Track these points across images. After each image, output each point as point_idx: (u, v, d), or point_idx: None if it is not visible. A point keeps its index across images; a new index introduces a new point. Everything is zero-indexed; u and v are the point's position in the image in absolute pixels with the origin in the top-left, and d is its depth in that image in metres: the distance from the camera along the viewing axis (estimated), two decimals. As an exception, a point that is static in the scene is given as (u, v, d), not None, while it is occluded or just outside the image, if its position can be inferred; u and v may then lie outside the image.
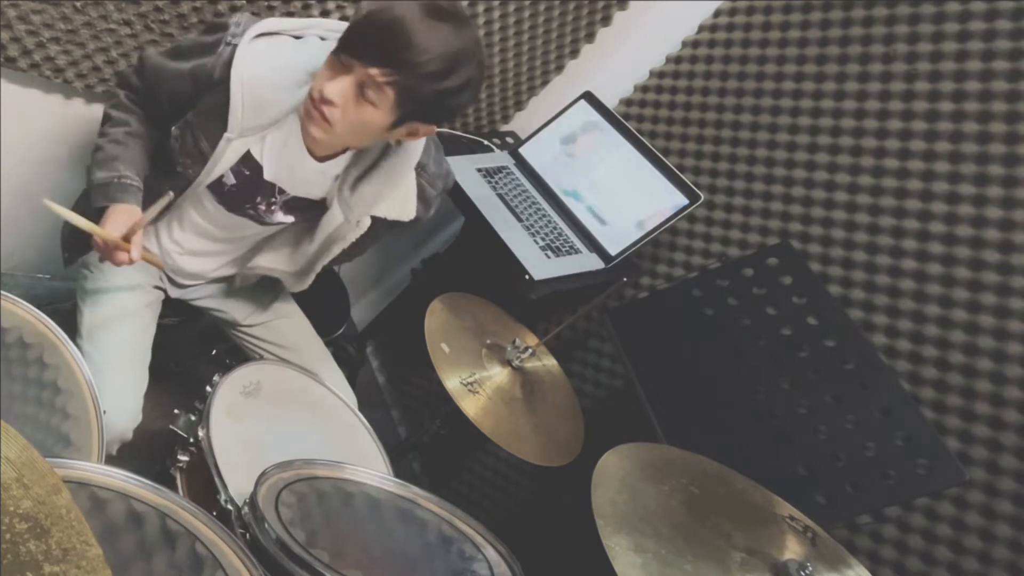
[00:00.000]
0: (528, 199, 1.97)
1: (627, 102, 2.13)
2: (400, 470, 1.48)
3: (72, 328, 1.26)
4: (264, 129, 1.24)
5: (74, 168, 1.76)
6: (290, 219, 1.40)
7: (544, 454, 1.55)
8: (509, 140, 2.19)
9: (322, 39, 1.21)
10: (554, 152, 2.04)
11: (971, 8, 1.49)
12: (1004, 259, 1.42)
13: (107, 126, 1.29)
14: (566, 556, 1.84)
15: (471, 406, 1.49)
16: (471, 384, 1.54)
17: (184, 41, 1.28)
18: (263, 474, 1.13)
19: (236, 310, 1.62)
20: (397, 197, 1.35)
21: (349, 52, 1.10)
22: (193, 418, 1.33)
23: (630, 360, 1.66)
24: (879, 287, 1.59)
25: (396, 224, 1.40)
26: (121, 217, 1.22)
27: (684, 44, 2.01)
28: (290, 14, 1.58)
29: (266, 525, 1.02)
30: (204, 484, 1.21)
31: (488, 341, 1.69)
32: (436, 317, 1.61)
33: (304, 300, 1.73)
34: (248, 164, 1.28)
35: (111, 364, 1.38)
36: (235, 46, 1.17)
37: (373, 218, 1.36)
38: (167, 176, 1.31)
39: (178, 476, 1.30)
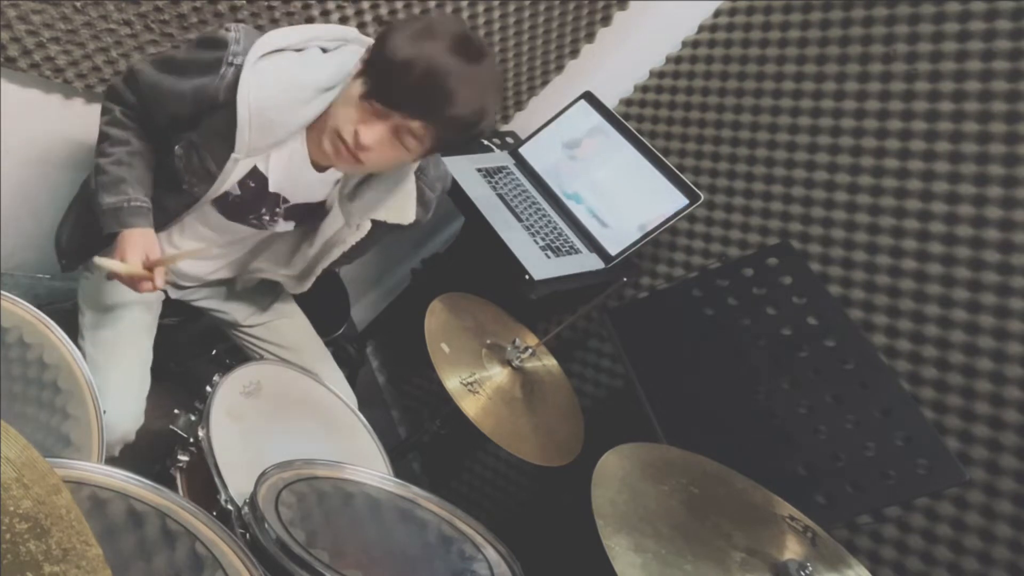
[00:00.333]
0: (528, 199, 1.97)
1: (627, 102, 2.13)
2: (400, 470, 1.48)
3: (72, 328, 1.26)
4: (271, 147, 1.23)
5: (74, 168, 1.76)
6: (291, 226, 1.40)
7: (544, 454, 1.55)
8: (509, 140, 2.19)
9: (324, 50, 1.20)
10: (554, 152, 2.04)
11: (971, 8, 1.49)
12: (1004, 259, 1.42)
13: (106, 145, 1.26)
14: (566, 556, 1.84)
15: (471, 406, 1.49)
16: (471, 384, 1.54)
17: (178, 54, 1.23)
18: (263, 474, 1.13)
19: (236, 311, 1.62)
20: (397, 201, 1.35)
21: (387, 104, 1.11)
22: (193, 418, 1.33)
23: (630, 360, 1.66)
24: (879, 287, 1.59)
25: (396, 227, 1.40)
26: (138, 242, 1.23)
27: (684, 44, 2.01)
28: (290, 15, 1.58)
29: (266, 525, 1.02)
30: (204, 484, 1.21)
31: (488, 341, 1.69)
32: (436, 317, 1.61)
33: (304, 300, 1.73)
34: (254, 177, 1.27)
35: (114, 366, 1.38)
36: (238, 67, 1.14)
37: (373, 221, 1.36)
38: (171, 193, 1.30)
39: (178, 476, 1.30)
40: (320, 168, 1.29)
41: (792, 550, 1.08)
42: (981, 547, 1.40)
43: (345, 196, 1.35)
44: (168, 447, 1.33)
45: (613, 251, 1.90)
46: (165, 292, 1.54)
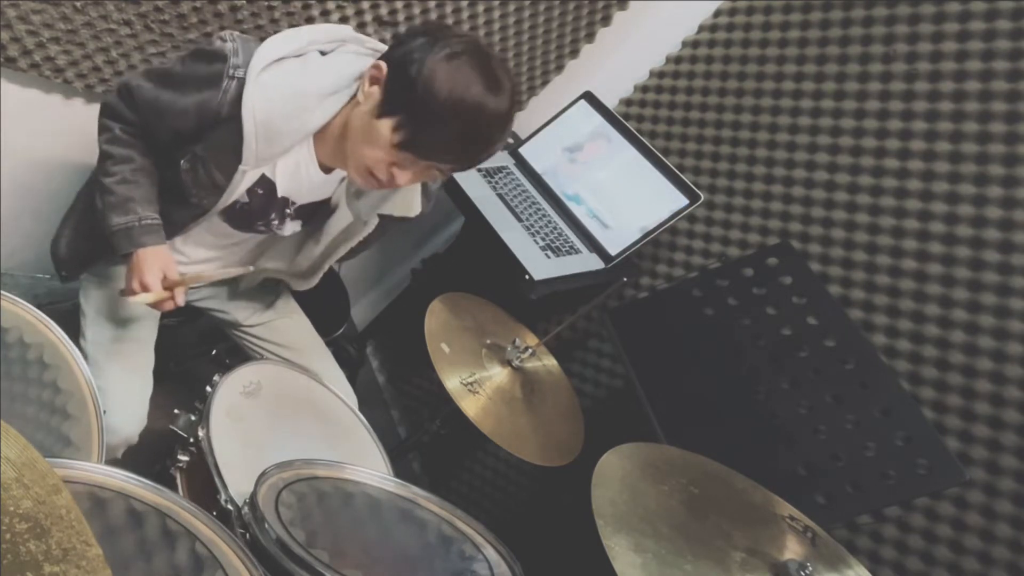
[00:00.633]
0: (528, 199, 1.97)
1: (627, 102, 2.13)
2: (400, 470, 1.48)
3: (72, 328, 1.26)
4: (279, 156, 1.23)
5: (74, 168, 1.76)
6: (298, 226, 1.41)
7: (544, 454, 1.55)
8: (509, 140, 2.19)
9: (323, 53, 1.19)
10: (554, 152, 2.04)
11: (971, 8, 1.49)
12: (1004, 259, 1.42)
13: (109, 164, 1.24)
14: (566, 556, 1.84)
15: (471, 406, 1.49)
16: (471, 384, 1.54)
17: (175, 69, 1.20)
18: (263, 474, 1.13)
19: (237, 311, 1.62)
20: (403, 195, 1.35)
21: (426, 158, 1.14)
22: (193, 418, 1.33)
23: (630, 360, 1.66)
24: (879, 287, 1.59)
25: (402, 219, 1.40)
26: (154, 261, 1.24)
27: (684, 44, 2.01)
28: (290, 15, 1.58)
29: (266, 525, 1.02)
30: (204, 484, 1.21)
31: (488, 341, 1.69)
32: (436, 317, 1.61)
33: (304, 300, 1.73)
34: (262, 184, 1.27)
35: (117, 369, 1.39)
36: (239, 79, 1.13)
37: (380, 216, 1.36)
38: (178, 205, 1.29)
39: (178, 476, 1.30)
40: (326, 169, 1.29)
41: (792, 550, 1.08)
42: (981, 547, 1.40)
43: (352, 194, 1.35)
44: (168, 447, 1.33)
45: (613, 251, 1.90)
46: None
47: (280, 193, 1.30)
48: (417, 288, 2.32)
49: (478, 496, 2.39)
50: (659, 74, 2.06)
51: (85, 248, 1.43)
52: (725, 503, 1.14)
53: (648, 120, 2.07)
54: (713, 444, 1.31)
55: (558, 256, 1.85)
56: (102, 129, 1.27)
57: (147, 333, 1.48)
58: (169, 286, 1.24)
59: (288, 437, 1.39)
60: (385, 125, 1.12)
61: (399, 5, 1.67)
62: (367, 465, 1.35)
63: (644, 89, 2.09)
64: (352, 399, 1.63)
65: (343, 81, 1.17)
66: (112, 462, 0.99)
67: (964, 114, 1.50)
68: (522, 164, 2.07)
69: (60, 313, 1.25)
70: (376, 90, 1.13)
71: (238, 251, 1.49)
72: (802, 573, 1.00)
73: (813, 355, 1.45)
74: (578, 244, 1.92)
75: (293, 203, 1.34)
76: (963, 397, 1.45)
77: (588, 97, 2.02)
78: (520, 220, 1.89)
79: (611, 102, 2.08)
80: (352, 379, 1.73)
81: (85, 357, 1.32)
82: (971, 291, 1.46)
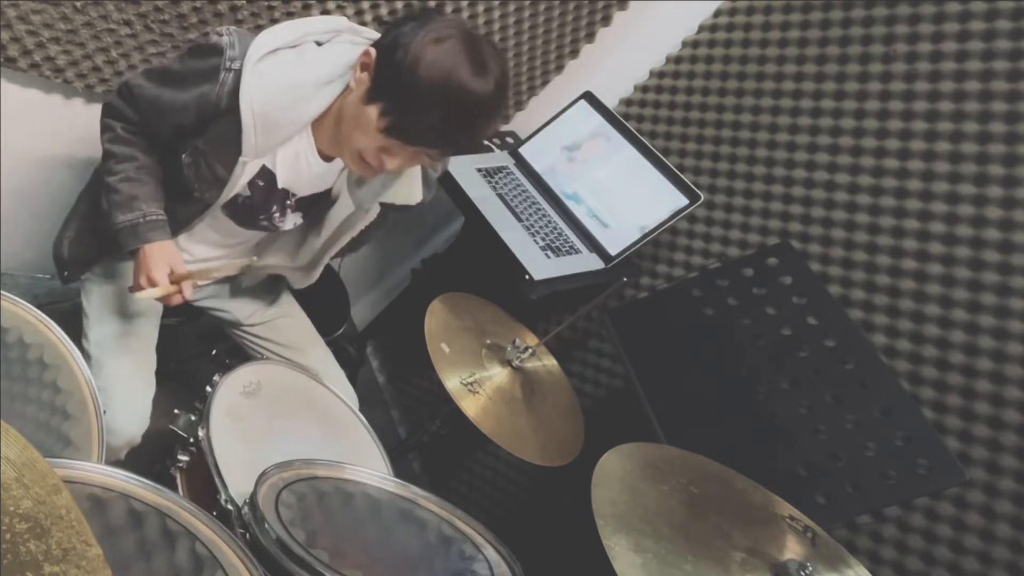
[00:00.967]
0: (528, 199, 1.97)
1: (627, 102, 2.13)
2: (400, 470, 1.48)
3: (71, 328, 1.26)
4: (278, 146, 1.24)
5: (74, 168, 1.76)
6: (299, 218, 1.41)
7: (544, 454, 1.55)
8: (509, 140, 2.19)
9: (318, 44, 1.20)
10: (554, 152, 2.04)
11: (971, 8, 1.49)
12: (1004, 259, 1.42)
13: (112, 163, 1.26)
14: (566, 556, 1.84)
15: (471, 406, 1.49)
16: (471, 384, 1.54)
17: (174, 66, 1.22)
18: (263, 474, 1.13)
19: (238, 309, 1.62)
20: (404, 183, 1.35)
21: (412, 143, 1.13)
22: (193, 418, 1.33)
23: (630, 360, 1.66)
24: (879, 287, 1.59)
25: (403, 209, 1.40)
26: (161, 257, 1.25)
27: (684, 44, 2.00)
28: (290, 15, 1.58)
29: (266, 525, 1.02)
30: (204, 484, 1.21)
31: (488, 341, 1.69)
32: (436, 317, 1.61)
33: (304, 300, 1.73)
34: (263, 176, 1.28)
35: (120, 370, 1.39)
36: (236, 71, 1.14)
37: (381, 204, 1.36)
38: (181, 201, 1.31)
39: (178, 476, 1.30)
40: (327, 158, 1.30)
41: (792, 550, 1.08)
42: (981, 547, 1.40)
43: (353, 183, 1.35)
44: (168, 447, 1.33)
45: (613, 251, 1.90)
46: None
47: (281, 184, 1.30)
48: (417, 288, 2.32)
49: (478, 496, 2.39)
50: (659, 74, 2.06)
51: (87, 248, 1.43)
52: (725, 503, 1.14)
53: (648, 120, 2.07)
54: (713, 444, 1.31)
55: (558, 256, 1.85)
56: (104, 129, 1.28)
57: (150, 329, 1.49)
58: (176, 280, 1.25)
59: (288, 437, 1.39)
60: (373, 111, 1.12)
61: (399, 5, 1.67)
62: (367, 465, 1.35)
63: (644, 89, 2.09)
64: (352, 399, 1.63)
65: (339, 70, 1.18)
66: (115, 463, 0.99)
67: (964, 114, 1.50)
68: (522, 164, 2.07)
69: (60, 313, 1.25)
70: (366, 76, 1.14)
71: (242, 249, 1.49)
72: (802, 573, 1.00)
73: (813, 355, 1.45)
74: (578, 244, 1.92)
75: (294, 195, 1.34)
76: (963, 397, 1.45)
77: (588, 97, 2.02)
78: (520, 220, 1.89)
79: (611, 102, 2.08)
80: (352, 379, 1.73)
81: (88, 358, 1.33)
82: (971, 291, 1.46)
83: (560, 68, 2.14)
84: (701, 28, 1.97)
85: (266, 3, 1.54)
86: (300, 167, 1.29)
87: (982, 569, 1.39)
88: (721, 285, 1.63)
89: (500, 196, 1.93)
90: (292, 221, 1.40)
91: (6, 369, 1.10)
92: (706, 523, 1.07)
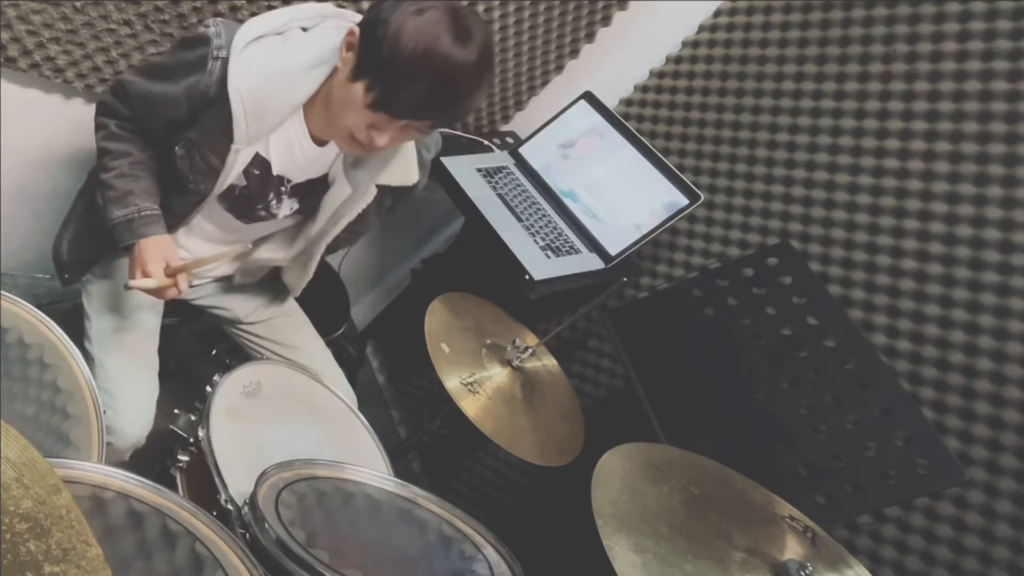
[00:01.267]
0: (528, 199, 1.97)
1: (627, 102, 2.13)
2: (400, 470, 1.48)
3: (71, 328, 1.26)
4: (270, 132, 1.24)
5: (74, 168, 1.76)
6: (296, 205, 1.41)
7: (544, 454, 1.55)
8: (509, 140, 2.19)
9: (304, 29, 1.21)
10: (554, 152, 2.04)
11: (971, 8, 1.49)
12: (1004, 259, 1.42)
13: (107, 160, 1.27)
14: (566, 556, 1.84)
15: (471, 406, 1.49)
16: (471, 384, 1.54)
17: (163, 60, 1.24)
18: (263, 474, 1.12)
19: (238, 307, 1.63)
20: (399, 163, 1.35)
21: (398, 116, 1.13)
22: (193, 418, 1.33)
23: (630, 360, 1.66)
24: (879, 287, 1.59)
25: (398, 193, 1.40)
26: (156, 251, 1.25)
27: (684, 44, 2.01)
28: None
29: (266, 525, 1.02)
30: (204, 484, 1.21)
31: (488, 341, 1.69)
32: (436, 317, 1.61)
33: (304, 300, 1.73)
34: (257, 164, 1.28)
35: (125, 372, 1.39)
36: (224, 59, 1.15)
37: (378, 187, 1.36)
38: (178, 195, 1.31)
39: (178, 476, 1.30)
40: (320, 142, 1.30)
41: (792, 550, 1.08)
42: (981, 547, 1.40)
43: (349, 164, 1.35)
44: (168, 447, 1.33)
45: (613, 251, 1.89)
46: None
47: (275, 171, 1.30)
48: (417, 288, 2.32)
49: (478, 496, 2.39)
50: (659, 74, 2.06)
51: (86, 248, 1.43)
52: (725, 503, 1.14)
53: (648, 120, 2.07)
54: (713, 444, 1.31)
55: (558, 256, 1.85)
56: (99, 127, 1.29)
57: (153, 335, 1.49)
58: (172, 273, 1.25)
59: (288, 437, 1.39)
60: (359, 87, 1.12)
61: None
62: (367, 465, 1.35)
63: (644, 89, 2.09)
64: (352, 399, 1.63)
65: (325, 53, 1.18)
66: (120, 465, 0.99)
67: (964, 114, 1.50)
68: (522, 164, 2.07)
69: (60, 313, 1.25)
70: (351, 55, 1.14)
71: (239, 242, 1.49)
72: (802, 573, 1.00)
73: (813, 355, 1.45)
74: (578, 244, 1.92)
75: (289, 181, 1.34)
76: (963, 397, 1.45)
77: (588, 97, 2.02)
78: (520, 220, 1.89)
79: (611, 102, 2.08)
80: (352, 379, 1.73)
81: (91, 360, 1.33)
82: (971, 291, 1.46)
83: (560, 68, 2.14)
84: (701, 28, 1.97)
85: (266, 3, 1.54)
86: (294, 152, 1.29)
87: (982, 569, 1.39)
88: (721, 285, 1.63)
89: (500, 196, 1.93)
90: (288, 207, 1.40)
91: (6, 369, 1.10)
92: (706, 523, 1.07)
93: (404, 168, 1.36)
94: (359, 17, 1.24)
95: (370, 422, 1.58)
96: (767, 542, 1.08)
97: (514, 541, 1.30)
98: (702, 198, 1.82)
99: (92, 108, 1.65)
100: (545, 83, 2.18)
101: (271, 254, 1.50)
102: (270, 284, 1.64)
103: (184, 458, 1.31)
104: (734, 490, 1.18)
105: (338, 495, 1.22)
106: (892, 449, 1.32)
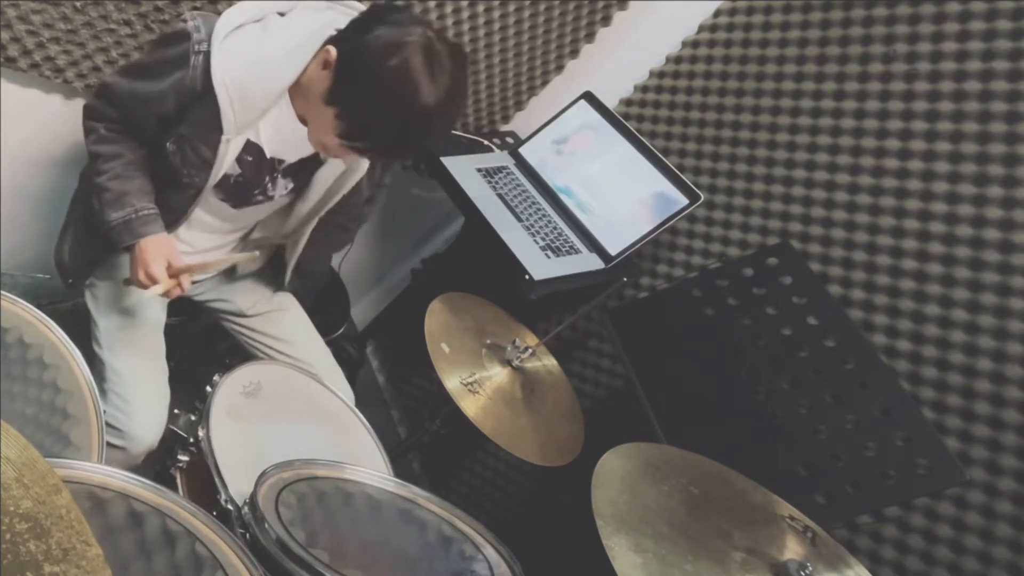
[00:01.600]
0: (528, 199, 1.97)
1: (627, 102, 2.13)
2: (400, 470, 1.48)
3: (71, 328, 1.26)
4: (259, 119, 1.25)
5: (74, 168, 1.75)
6: (290, 184, 1.41)
7: (544, 454, 1.55)
8: (509, 140, 2.19)
9: (281, 14, 1.22)
10: (554, 152, 2.04)
11: (971, 8, 1.49)
12: (1004, 259, 1.42)
13: (100, 163, 1.27)
14: (566, 556, 1.84)
15: (471, 406, 1.49)
16: (471, 384, 1.54)
17: (145, 59, 1.25)
18: (263, 474, 1.12)
19: (241, 299, 1.63)
20: None
21: (366, 154, 1.18)
22: (193, 418, 1.33)
23: (630, 360, 1.66)
24: (879, 287, 1.59)
25: (387, 176, 1.45)
26: (157, 251, 1.26)
27: (684, 44, 2.00)
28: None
29: (266, 525, 1.02)
30: (204, 484, 1.21)
31: (488, 341, 1.69)
32: (436, 317, 1.61)
33: (304, 300, 1.73)
34: (250, 150, 1.29)
35: (136, 374, 1.40)
36: (205, 53, 1.16)
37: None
38: (173, 191, 1.31)
39: (178, 476, 1.30)
40: (306, 122, 1.30)
41: (792, 550, 1.08)
42: (981, 547, 1.40)
43: None
44: (168, 447, 1.33)
45: (613, 251, 1.89)
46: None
47: (269, 155, 1.32)
48: (417, 288, 2.32)
49: (478, 496, 2.39)
50: (659, 74, 2.06)
51: (87, 251, 1.43)
52: (725, 503, 1.14)
53: (648, 120, 2.07)
54: (713, 444, 1.31)
55: (558, 256, 1.85)
56: (88, 132, 1.30)
57: (158, 334, 1.50)
58: (175, 274, 1.26)
59: (288, 437, 1.39)
60: (329, 113, 1.15)
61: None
62: (367, 465, 1.35)
63: (644, 89, 2.09)
64: (351, 399, 1.63)
65: (305, 36, 1.19)
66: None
67: (964, 114, 1.50)
68: (522, 164, 2.07)
69: (60, 313, 1.25)
70: (327, 75, 1.15)
71: (241, 232, 1.50)
72: (802, 573, 1.00)
73: (813, 355, 1.45)
74: (578, 244, 1.92)
75: (281, 162, 1.35)
76: (963, 397, 1.45)
77: (588, 97, 2.02)
78: (520, 220, 1.89)
79: (611, 102, 2.08)
80: (352, 379, 1.73)
81: (102, 365, 1.34)
82: (971, 291, 1.46)
83: (560, 68, 2.14)
84: (701, 28, 1.97)
85: (266, 3, 1.54)
86: (284, 134, 1.30)
87: (982, 569, 1.39)
88: (721, 285, 1.63)
89: (500, 196, 1.93)
90: (283, 186, 1.41)
91: (6, 369, 1.10)
92: (706, 523, 1.07)
93: None
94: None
95: (370, 422, 1.58)
96: (767, 542, 1.08)
97: (514, 541, 1.30)
98: (702, 198, 1.82)
99: (92, 108, 1.67)
100: (545, 83, 2.18)
101: (268, 233, 1.51)
102: (271, 277, 1.65)
103: (184, 458, 1.31)
104: (734, 490, 1.18)
105: (338, 495, 1.22)
106: (892, 449, 1.32)
